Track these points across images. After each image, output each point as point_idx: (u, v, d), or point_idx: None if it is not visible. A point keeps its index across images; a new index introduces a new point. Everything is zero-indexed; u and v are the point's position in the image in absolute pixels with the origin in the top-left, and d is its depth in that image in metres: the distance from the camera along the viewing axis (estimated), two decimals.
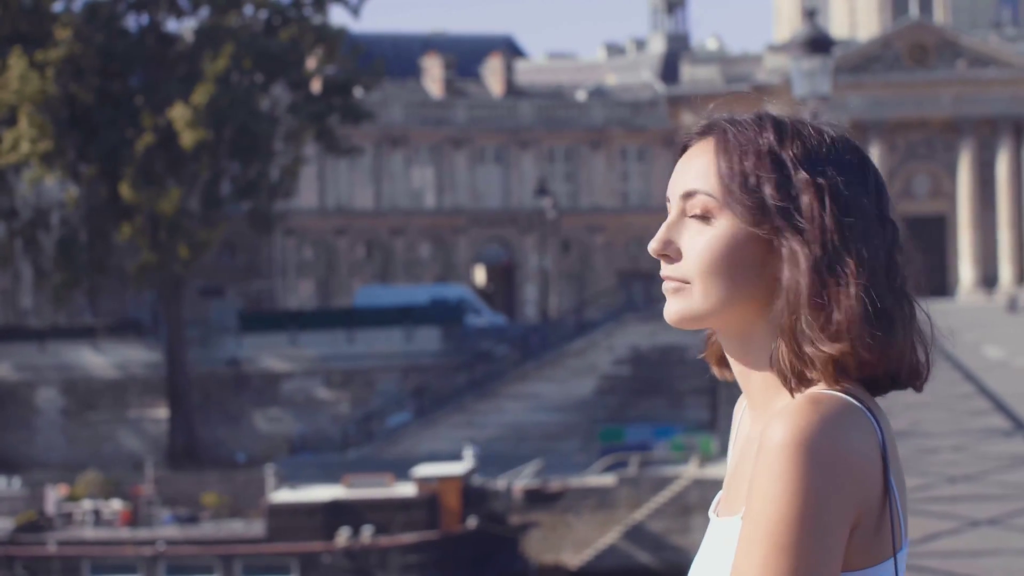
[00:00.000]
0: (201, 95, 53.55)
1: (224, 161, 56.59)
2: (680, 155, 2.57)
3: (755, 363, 2.51)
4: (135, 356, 58.65)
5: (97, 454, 55.97)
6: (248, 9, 57.73)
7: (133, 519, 45.85)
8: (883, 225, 2.45)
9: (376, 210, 74.28)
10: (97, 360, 58.40)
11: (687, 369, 57.55)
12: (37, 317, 65.80)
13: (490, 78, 79.72)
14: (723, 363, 2.62)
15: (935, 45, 78.50)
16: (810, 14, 21.85)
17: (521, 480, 48.30)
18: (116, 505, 46.70)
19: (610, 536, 46.12)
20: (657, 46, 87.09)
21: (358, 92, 60.82)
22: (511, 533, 44.52)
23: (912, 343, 2.45)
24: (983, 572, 11.08)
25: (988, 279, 77.80)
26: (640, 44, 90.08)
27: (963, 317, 51.33)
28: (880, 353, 2.40)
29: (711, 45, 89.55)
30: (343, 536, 42.09)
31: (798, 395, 2.42)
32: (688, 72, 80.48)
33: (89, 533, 44.96)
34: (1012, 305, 66.73)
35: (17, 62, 52.94)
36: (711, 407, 55.79)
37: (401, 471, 45.57)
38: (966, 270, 77.66)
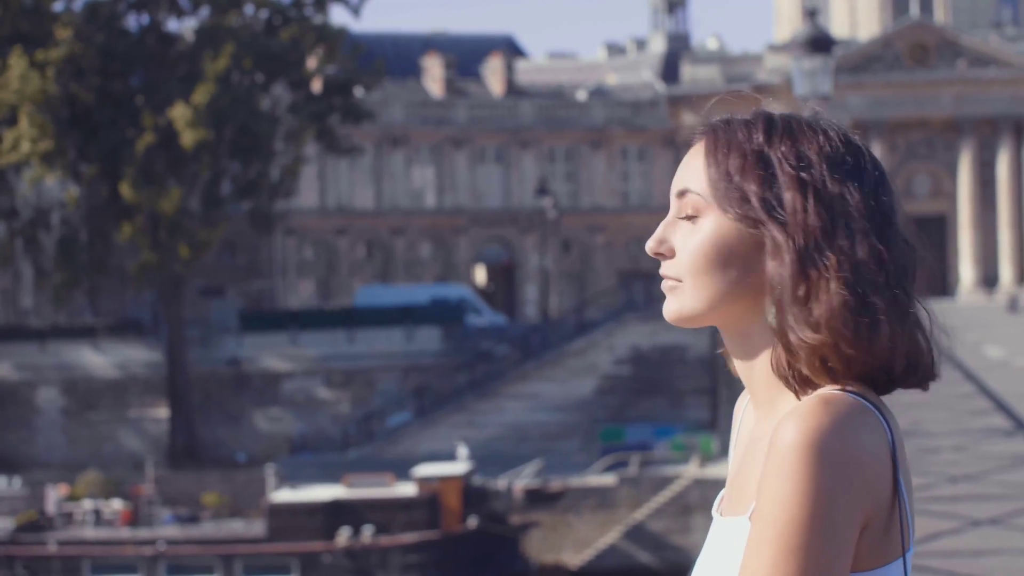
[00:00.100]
0: (202, 95, 53.56)
1: (224, 161, 56.60)
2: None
3: (756, 360, 2.53)
4: (135, 356, 58.65)
5: (97, 454, 55.97)
6: (249, 9, 57.74)
7: (133, 519, 45.86)
8: (877, 221, 2.46)
9: (376, 210, 74.28)
10: (97, 360, 58.41)
11: (687, 369, 57.58)
12: (37, 317, 65.80)
13: (490, 78, 79.73)
14: None
15: (935, 45, 78.50)
16: (811, 13, 21.84)
17: (521, 480, 48.31)
18: (116, 505, 46.72)
19: (610, 536, 46.13)
20: (657, 46, 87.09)
21: (358, 92, 60.82)
22: (511, 533, 44.54)
23: (909, 340, 2.45)
24: (984, 572, 11.08)
25: (988, 279, 77.81)
26: (640, 44, 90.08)
27: (963, 317, 51.41)
28: (864, 348, 2.41)
29: (711, 45, 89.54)
30: (343, 536, 42.10)
31: (810, 395, 2.43)
32: (689, 72, 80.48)
33: (89, 533, 44.97)
34: (1012, 305, 66.74)
35: (18, 62, 52.95)
36: (711, 407, 55.81)
37: (401, 471, 45.58)
38: (966, 270, 77.67)
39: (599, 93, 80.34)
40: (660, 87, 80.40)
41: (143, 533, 44.42)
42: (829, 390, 2.42)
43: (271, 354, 58.63)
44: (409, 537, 41.99)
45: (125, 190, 54.00)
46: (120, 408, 58.05)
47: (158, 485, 48.09)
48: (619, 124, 77.59)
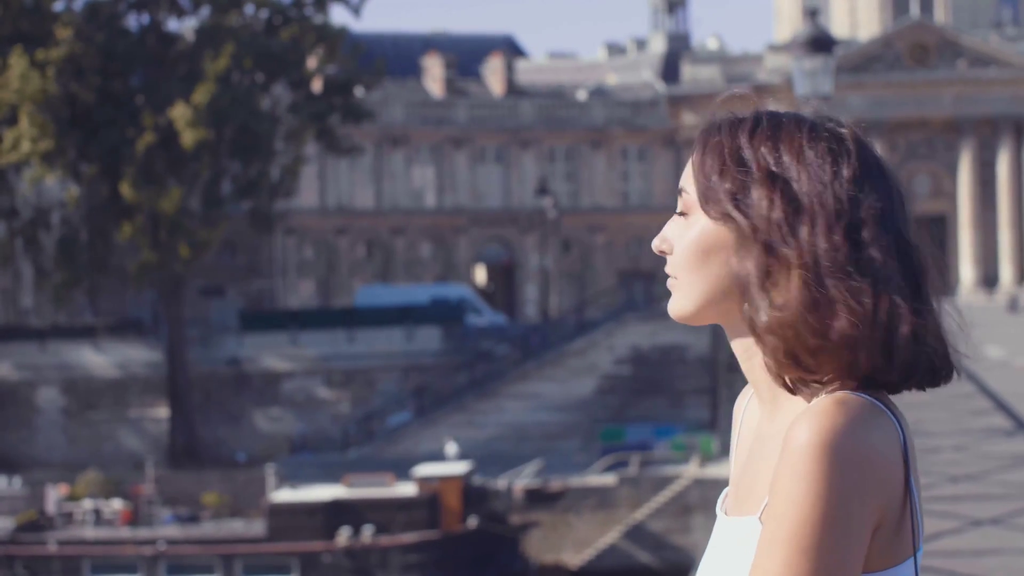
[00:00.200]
0: (202, 94, 53.57)
1: (225, 161, 56.62)
2: None
3: (756, 358, 2.54)
4: (135, 356, 58.66)
5: (97, 454, 55.98)
6: (249, 8, 57.76)
7: (133, 519, 45.88)
8: (853, 216, 2.46)
9: (377, 210, 74.28)
10: (98, 360, 58.41)
11: (687, 369, 57.59)
12: (38, 316, 65.81)
13: (491, 78, 79.74)
14: None
15: (936, 45, 78.52)
16: (811, 13, 21.82)
17: (522, 480, 48.32)
18: (117, 505, 46.72)
19: (610, 536, 46.14)
20: (658, 46, 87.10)
21: (359, 92, 60.84)
22: (511, 533, 44.54)
23: (891, 341, 2.45)
24: (985, 571, 11.09)
25: (989, 279, 77.84)
26: (641, 44, 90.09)
27: (964, 317, 51.25)
28: (824, 338, 2.41)
29: (712, 45, 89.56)
30: (344, 536, 42.10)
31: (824, 396, 2.43)
32: (689, 72, 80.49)
33: (89, 533, 44.98)
34: (1013, 305, 66.75)
35: (18, 61, 52.96)
36: (711, 407, 55.82)
37: (401, 471, 45.60)
38: (967, 270, 77.72)
39: (599, 93, 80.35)
40: (660, 87, 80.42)
41: (143, 533, 44.43)
42: (842, 391, 2.43)
43: (271, 354, 58.64)
44: (409, 537, 42.00)
45: (125, 190, 54.01)
46: (120, 408, 58.06)
47: (158, 485, 48.10)
48: (619, 124, 77.61)
